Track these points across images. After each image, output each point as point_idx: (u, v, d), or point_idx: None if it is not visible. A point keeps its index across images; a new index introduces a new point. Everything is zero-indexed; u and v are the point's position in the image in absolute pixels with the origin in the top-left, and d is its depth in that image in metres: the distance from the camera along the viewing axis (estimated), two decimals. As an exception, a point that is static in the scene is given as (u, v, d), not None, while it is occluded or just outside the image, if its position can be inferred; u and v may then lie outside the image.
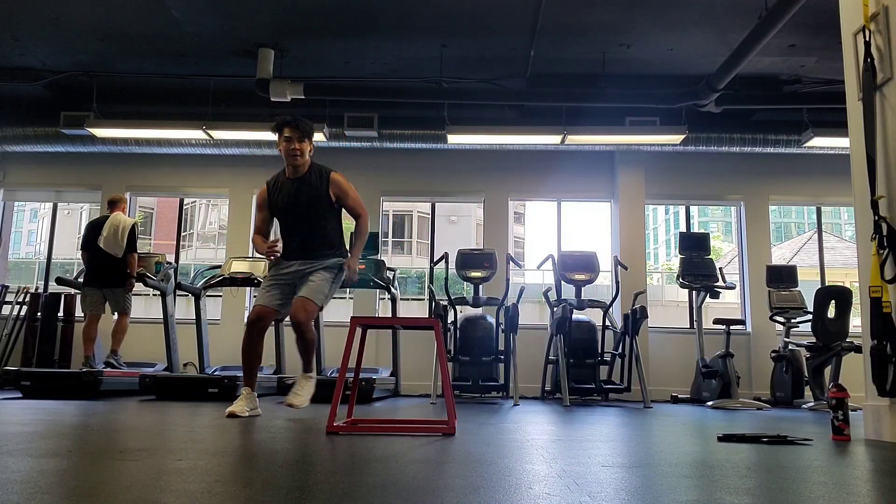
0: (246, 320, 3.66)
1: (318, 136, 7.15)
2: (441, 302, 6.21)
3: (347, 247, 3.85)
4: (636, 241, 7.75)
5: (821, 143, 6.91)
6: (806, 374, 6.47)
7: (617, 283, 6.79)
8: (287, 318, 3.73)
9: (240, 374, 5.79)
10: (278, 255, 3.62)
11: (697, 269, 6.71)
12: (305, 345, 3.70)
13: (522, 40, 6.08)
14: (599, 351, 6.55)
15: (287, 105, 6.79)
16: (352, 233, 3.83)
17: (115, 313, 6.10)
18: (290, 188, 3.72)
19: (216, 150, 7.56)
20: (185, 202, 8.94)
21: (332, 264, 3.70)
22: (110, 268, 6.02)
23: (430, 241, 8.56)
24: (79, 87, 7.21)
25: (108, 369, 5.78)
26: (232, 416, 3.49)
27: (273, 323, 6.98)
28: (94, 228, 6.12)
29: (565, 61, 6.51)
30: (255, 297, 3.66)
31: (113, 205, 6.29)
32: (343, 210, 3.81)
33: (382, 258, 7.02)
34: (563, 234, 8.24)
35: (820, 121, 6.83)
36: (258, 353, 3.71)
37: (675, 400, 6.89)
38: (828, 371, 6.25)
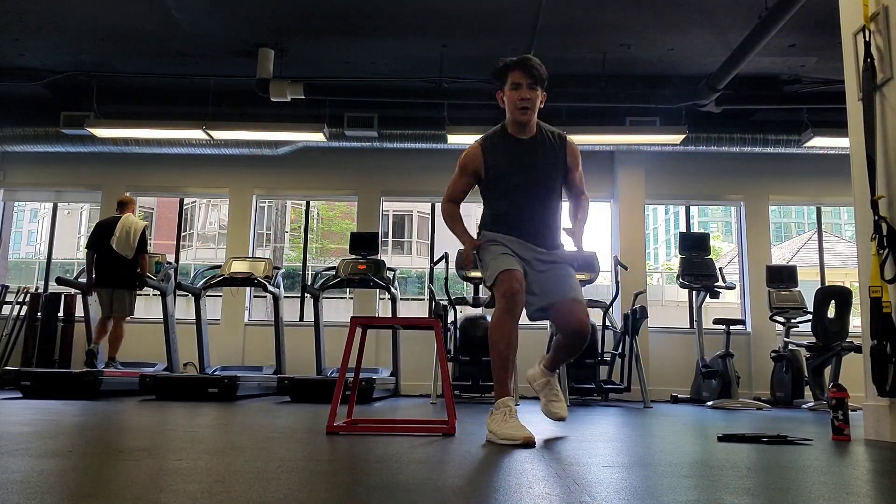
0: (502, 294, 2.71)
1: (318, 136, 7.16)
2: (441, 302, 6.20)
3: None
4: (636, 241, 7.75)
5: (821, 143, 6.91)
6: (806, 374, 6.47)
7: (617, 283, 6.79)
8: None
9: (240, 374, 5.82)
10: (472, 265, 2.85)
11: (697, 269, 6.71)
12: (577, 352, 3.01)
13: (522, 40, 6.07)
14: (599, 351, 6.55)
15: (287, 105, 6.79)
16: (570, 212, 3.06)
17: (112, 315, 6.13)
18: (520, 148, 2.86)
19: (216, 150, 7.57)
20: (185, 202, 8.94)
21: (571, 259, 2.96)
22: (119, 268, 6.10)
23: (430, 241, 8.56)
24: (79, 87, 7.21)
25: (109, 369, 5.79)
26: (530, 443, 2.43)
27: (275, 321, 7.06)
28: (104, 229, 6.19)
29: (565, 61, 6.51)
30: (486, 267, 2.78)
31: (123, 206, 6.36)
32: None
33: (382, 258, 7.02)
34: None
35: (820, 121, 6.83)
36: (515, 346, 2.81)
37: (675, 400, 6.89)
38: (828, 371, 6.25)
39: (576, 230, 2.88)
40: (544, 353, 6.70)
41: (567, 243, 2.94)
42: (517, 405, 5.26)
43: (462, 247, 2.97)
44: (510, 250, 2.82)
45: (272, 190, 8.31)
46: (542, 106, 2.88)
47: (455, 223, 3.00)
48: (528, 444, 2.40)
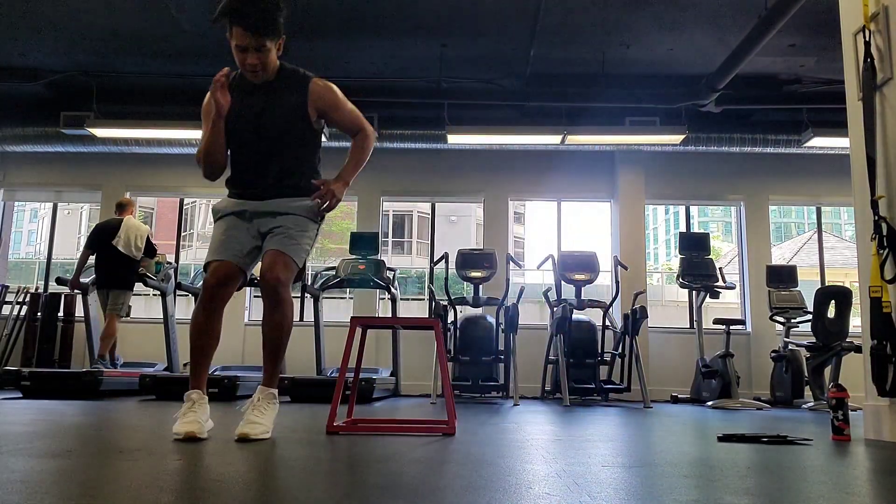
0: (203, 285, 2.57)
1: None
2: (441, 302, 6.21)
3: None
4: (636, 241, 7.75)
5: (821, 143, 6.91)
6: (806, 374, 6.47)
7: (617, 283, 6.79)
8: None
9: (240, 374, 5.81)
10: (221, 83, 2.55)
11: (697, 269, 6.72)
12: (281, 330, 2.52)
13: (522, 40, 6.08)
14: (599, 351, 6.55)
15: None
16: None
17: (106, 314, 6.14)
18: (251, 97, 2.62)
19: (216, 150, 7.56)
20: (185, 202, 8.94)
21: (308, 207, 2.60)
22: (118, 270, 6.12)
23: (430, 241, 8.56)
24: (79, 87, 7.21)
25: (106, 369, 5.79)
26: (191, 438, 2.35)
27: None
28: (105, 231, 6.20)
29: (565, 61, 6.51)
30: (209, 269, 2.55)
31: (122, 208, 6.38)
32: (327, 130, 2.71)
33: (382, 258, 7.02)
34: (563, 234, 8.24)
35: (820, 121, 6.83)
36: (217, 335, 2.57)
37: (675, 400, 6.89)
38: (828, 371, 6.25)
39: (343, 170, 2.63)
40: (544, 352, 6.72)
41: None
42: (516, 405, 5.25)
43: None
44: (229, 229, 2.58)
45: (272, 190, 8.30)
46: (280, 52, 2.57)
47: (202, 141, 2.62)
48: (190, 437, 2.33)
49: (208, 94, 2.63)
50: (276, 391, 2.57)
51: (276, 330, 2.52)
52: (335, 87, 2.70)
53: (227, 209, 2.64)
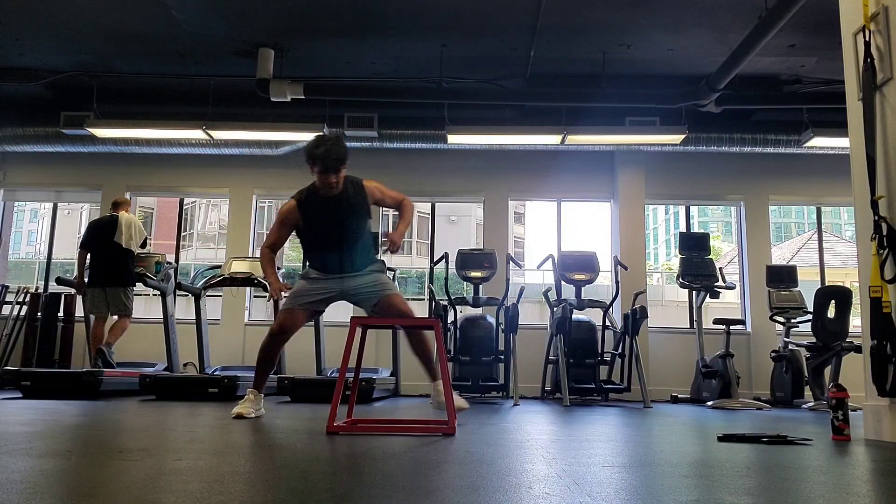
0: (277, 322, 3.65)
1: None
2: (441, 302, 6.21)
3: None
4: (636, 241, 7.75)
5: (821, 143, 6.91)
6: (806, 374, 6.47)
7: (617, 283, 6.79)
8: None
9: (241, 374, 5.82)
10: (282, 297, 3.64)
11: (697, 269, 6.71)
12: (427, 346, 3.59)
13: (522, 40, 6.08)
14: (599, 351, 6.55)
15: (287, 105, 6.79)
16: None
17: (115, 316, 6.12)
18: (328, 205, 3.58)
19: (216, 150, 7.56)
20: (185, 202, 8.94)
21: (381, 268, 3.76)
22: (116, 265, 6.09)
23: (430, 241, 8.56)
24: (79, 87, 7.21)
25: (108, 369, 5.78)
26: (239, 417, 3.46)
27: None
28: (100, 228, 6.17)
29: (565, 61, 6.51)
30: (279, 301, 3.69)
31: (118, 206, 6.37)
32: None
33: (382, 258, 7.01)
34: (563, 234, 8.24)
35: (820, 121, 6.83)
36: (275, 362, 3.73)
37: (675, 400, 6.89)
38: (828, 371, 6.25)
39: (393, 236, 3.54)
40: (544, 352, 6.72)
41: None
42: (517, 405, 5.27)
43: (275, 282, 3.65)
44: (309, 290, 3.62)
45: (272, 190, 8.31)
46: (344, 173, 3.54)
47: (268, 267, 3.66)
48: (238, 416, 3.45)
49: (287, 206, 3.64)
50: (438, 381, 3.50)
51: (425, 349, 3.60)
52: (379, 184, 3.76)
53: (313, 276, 3.67)
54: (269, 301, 3.87)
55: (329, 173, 3.45)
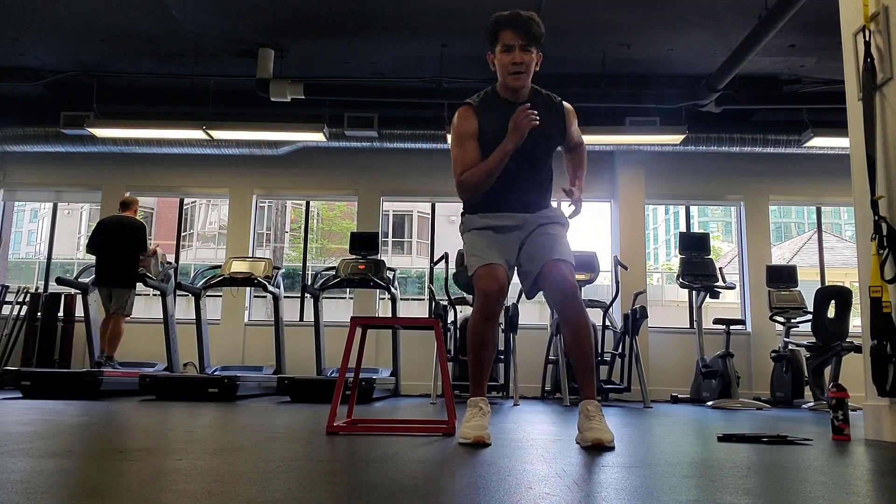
0: (480, 292, 2.54)
1: (318, 136, 7.15)
2: (441, 302, 6.20)
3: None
4: (636, 241, 7.75)
5: (821, 143, 6.91)
6: (806, 374, 6.47)
7: (617, 283, 6.79)
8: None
9: (240, 374, 5.82)
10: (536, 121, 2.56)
11: (697, 269, 6.71)
12: (587, 340, 2.55)
13: (522, 40, 6.07)
14: (599, 351, 6.55)
15: (287, 105, 6.79)
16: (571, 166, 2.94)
17: (111, 314, 6.14)
18: (509, 112, 2.59)
19: (216, 150, 7.56)
20: (185, 202, 8.94)
21: (563, 217, 2.79)
22: (122, 266, 6.13)
23: (430, 241, 8.56)
24: (79, 87, 7.21)
25: (107, 369, 5.79)
26: (479, 443, 2.40)
27: (275, 321, 7.06)
28: (109, 228, 6.21)
29: (565, 61, 6.50)
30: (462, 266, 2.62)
31: (126, 207, 6.39)
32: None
33: (382, 258, 7.02)
34: (563, 234, 8.23)
35: (820, 121, 6.83)
36: (495, 347, 2.63)
37: (675, 400, 6.89)
38: (828, 371, 6.25)
39: (576, 190, 2.72)
40: (544, 352, 6.71)
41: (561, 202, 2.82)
42: (516, 405, 5.26)
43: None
44: (490, 242, 2.63)
45: (272, 190, 8.31)
46: (538, 68, 2.66)
47: (484, 166, 2.59)
48: (478, 443, 2.39)
49: (460, 117, 2.68)
50: (593, 399, 2.51)
51: (587, 338, 2.55)
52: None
53: (484, 223, 2.68)
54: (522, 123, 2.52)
55: (514, 49, 2.55)
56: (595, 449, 2.31)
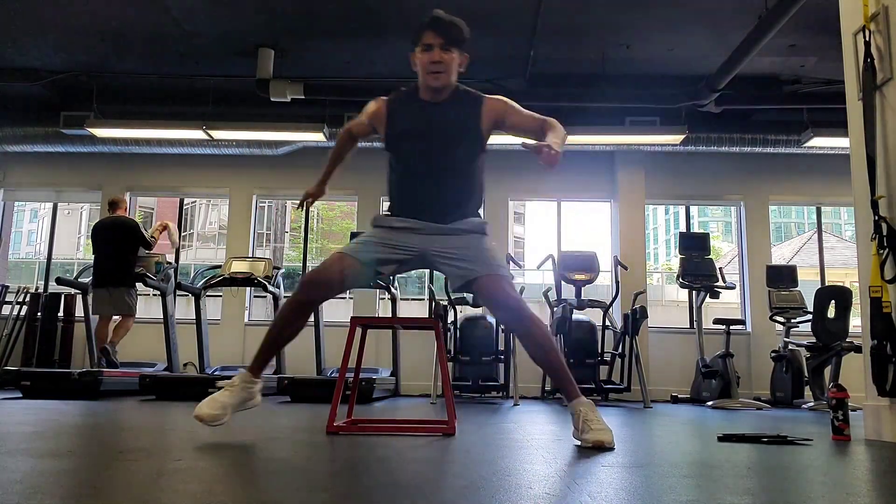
0: (303, 276, 2.58)
1: (318, 136, 7.15)
2: (441, 302, 6.20)
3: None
4: (636, 241, 7.75)
5: (821, 143, 6.91)
6: (806, 374, 6.47)
7: (617, 283, 6.79)
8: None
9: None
10: (309, 203, 2.70)
11: (697, 269, 6.71)
12: (546, 347, 2.46)
13: (522, 40, 6.07)
14: (599, 351, 6.55)
15: (287, 105, 6.79)
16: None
17: (120, 314, 6.15)
18: (427, 112, 2.61)
19: (216, 150, 7.56)
20: (185, 202, 8.94)
21: (481, 227, 2.67)
22: (119, 265, 6.13)
23: (430, 241, 8.56)
24: (79, 87, 7.21)
25: (111, 369, 5.79)
26: (204, 419, 2.39)
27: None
28: (105, 229, 6.22)
29: (565, 61, 6.51)
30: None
31: (115, 206, 6.39)
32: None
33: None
34: (563, 234, 8.24)
35: (820, 121, 6.83)
36: (293, 334, 2.53)
37: (675, 400, 6.89)
38: (828, 371, 6.25)
39: (544, 142, 2.41)
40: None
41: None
42: (517, 405, 5.25)
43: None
44: (383, 241, 2.56)
45: (272, 190, 8.31)
46: (462, 69, 2.62)
47: (333, 155, 2.82)
48: (199, 419, 2.38)
49: (371, 104, 2.77)
50: (581, 398, 2.46)
51: (546, 359, 2.47)
52: (508, 100, 2.71)
53: (385, 222, 2.62)
54: (296, 208, 2.68)
55: (433, 49, 2.54)
56: (595, 449, 2.31)
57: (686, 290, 6.96)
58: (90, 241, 6.38)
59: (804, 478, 1.78)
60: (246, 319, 7.98)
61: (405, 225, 2.58)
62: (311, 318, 6.81)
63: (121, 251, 6.17)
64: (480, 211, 2.75)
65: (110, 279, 6.14)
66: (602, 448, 2.31)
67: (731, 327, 6.49)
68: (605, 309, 6.59)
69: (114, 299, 6.11)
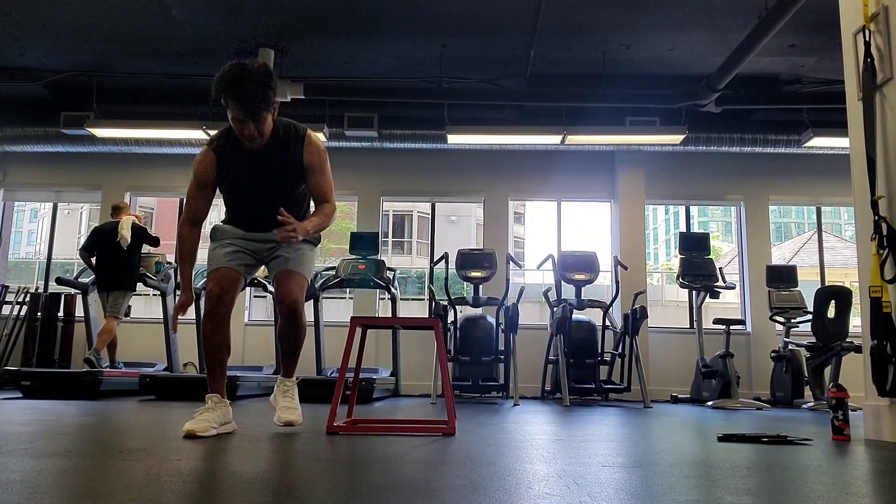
0: (205, 297, 2.76)
1: (318, 136, 7.14)
2: (441, 302, 6.20)
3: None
4: (636, 241, 7.75)
5: (821, 143, 6.91)
6: (806, 374, 6.47)
7: (617, 283, 6.79)
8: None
9: (240, 374, 5.82)
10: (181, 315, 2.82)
11: (697, 269, 6.71)
12: (297, 336, 2.82)
13: (522, 40, 6.07)
14: (599, 351, 6.55)
15: (287, 105, 6.79)
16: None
17: (106, 316, 6.13)
18: (250, 158, 2.71)
19: (216, 150, 7.55)
20: (184, 202, 8.93)
21: (311, 238, 2.90)
22: (118, 270, 6.13)
23: (430, 241, 8.56)
24: (79, 87, 7.21)
25: (108, 369, 5.79)
26: (191, 436, 2.46)
27: (275, 321, 7.05)
28: (104, 234, 6.21)
29: (565, 61, 6.51)
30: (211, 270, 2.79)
31: (118, 211, 6.39)
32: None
33: (382, 258, 7.02)
34: (563, 234, 8.24)
35: (820, 121, 6.83)
36: (227, 343, 2.77)
37: (675, 400, 6.89)
38: (828, 371, 6.25)
39: (307, 221, 2.70)
40: (544, 352, 6.72)
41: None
42: (517, 405, 5.25)
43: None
44: (232, 249, 2.80)
45: (272, 190, 8.30)
46: (276, 114, 2.70)
47: (184, 261, 2.79)
48: (190, 434, 2.45)
49: (199, 160, 2.76)
50: (293, 378, 2.99)
51: (293, 343, 2.88)
52: (325, 151, 2.84)
53: (229, 234, 2.86)
54: (173, 322, 2.86)
55: (246, 120, 2.55)
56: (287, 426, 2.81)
57: (686, 290, 6.96)
58: (84, 242, 6.34)
59: (804, 478, 1.78)
60: (246, 319, 7.98)
61: (244, 236, 2.90)
62: (311, 319, 6.84)
63: (122, 256, 6.16)
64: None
65: (112, 283, 6.15)
66: (289, 424, 2.82)
67: (731, 327, 6.49)
68: (605, 309, 6.59)
69: (111, 301, 6.13)
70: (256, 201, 2.79)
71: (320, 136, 7.08)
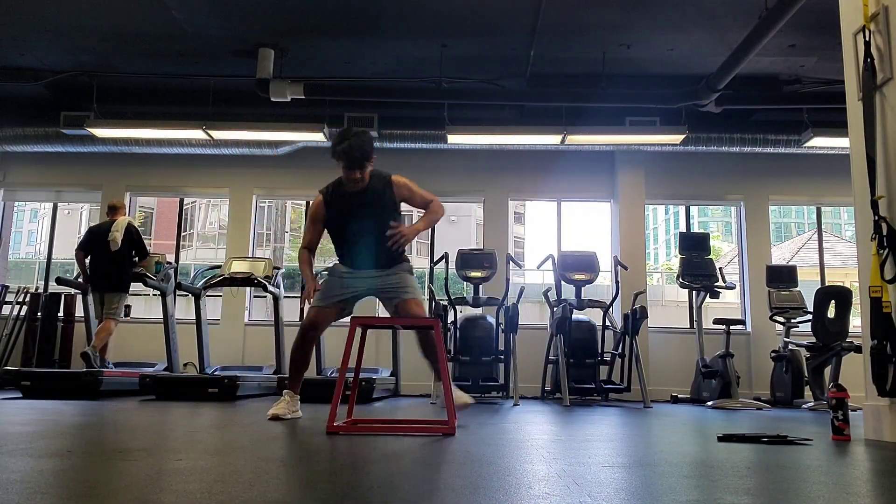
0: (305, 318, 3.64)
1: (318, 136, 7.15)
2: (441, 302, 6.20)
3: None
4: (636, 241, 7.75)
5: (821, 143, 6.91)
6: (806, 374, 6.47)
7: (617, 283, 6.79)
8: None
9: (240, 374, 5.84)
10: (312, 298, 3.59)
11: (697, 269, 6.71)
12: (435, 346, 3.37)
13: (522, 40, 6.07)
14: (599, 351, 6.55)
15: (287, 105, 6.79)
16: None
17: (103, 318, 6.11)
18: (353, 199, 3.56)
19: (216, 150, 7.56)
20: (185, 202, 8.93)
21: (408, 268, 3.67)
22: (112, 271, 6.10)
23: (430, 241, 8.56)
24: (79, 87, 7.21)
25: (108, 369, 5.79)
26: (275, 418, 3.46)
27: (275, 321, 7.06)
28: (98, 234, 6.19)
29: (565, 61, 6.50)
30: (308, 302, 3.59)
31: (114, 211, 6.37)
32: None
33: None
34: (563, 234, 8.24)
35: (820, 121, 6.83)
36: (309, 359, 3.69)
37: (675, 400, 6.89)
38: (828, 371, 6.25)
39: (405, 226, 3.50)
40: (544, 352, 6.72)
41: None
42: (517, 405, 5.27)
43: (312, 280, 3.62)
44: (338, 288, 3.60)
45: (272, 190, 8.31)
46: (371, 167, 3.53)
47: (304, 267, 3.67)
48: (273, 418, 3.47)
49: (314, 203, 3.69)
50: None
51: (434, 352, 3.40)
52: (409, 182, 3.66)
53: (341, 271, 3.65)
54: (302, 304, 3.83)
55: (353, 169, 3.45)
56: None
57: (686, 290, 6.96)
58: (80, 242, 6.30)
59: (804, 478, 1.78)
60: (246, 319, 7.98)
61: (353, 275, 3.67)
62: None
63: (116, 256, 6.13)
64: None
65: (106, 284, 6.12)
66: (443, 406, 3.22)
67: (731, 327, 6.49)
68: (605, 309, 6.59)
69: (106, 303, 6.10)
70: (362, 235, 3.55)
71: (320, 137, 7.11)
